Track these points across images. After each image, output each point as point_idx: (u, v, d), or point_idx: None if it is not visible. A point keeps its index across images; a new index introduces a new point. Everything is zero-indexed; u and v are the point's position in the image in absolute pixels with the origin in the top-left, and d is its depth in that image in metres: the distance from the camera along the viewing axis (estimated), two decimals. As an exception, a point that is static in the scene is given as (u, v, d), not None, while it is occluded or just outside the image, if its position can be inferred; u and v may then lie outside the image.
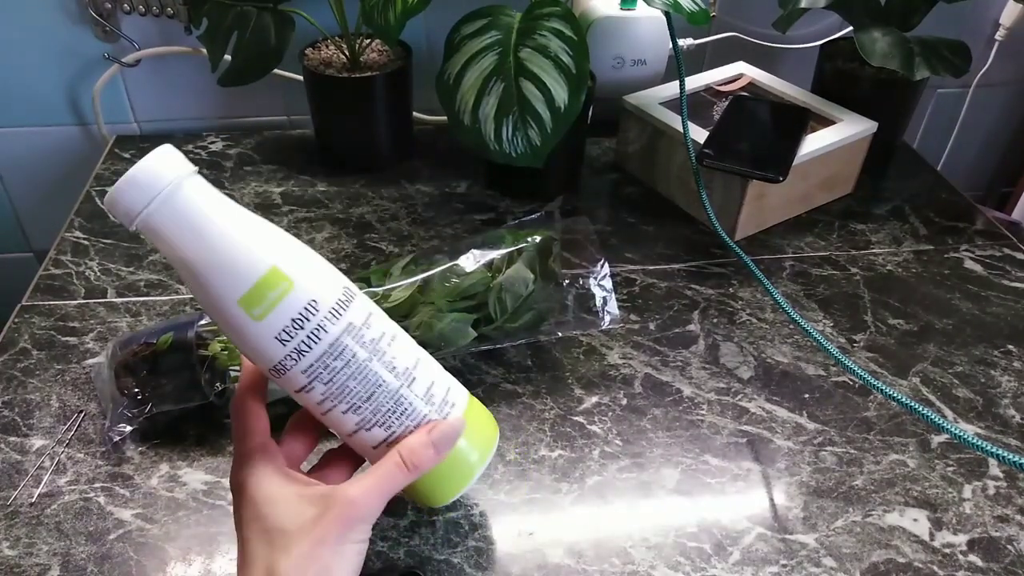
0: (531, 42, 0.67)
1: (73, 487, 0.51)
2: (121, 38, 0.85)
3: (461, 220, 0.77)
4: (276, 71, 0.84)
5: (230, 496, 0.51)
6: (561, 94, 0.66)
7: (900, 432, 0.56)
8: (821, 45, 0.86)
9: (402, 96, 0.82)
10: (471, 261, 0.56)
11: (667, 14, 0.67)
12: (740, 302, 0.68)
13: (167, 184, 0.35)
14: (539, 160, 0.68)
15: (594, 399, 0.58)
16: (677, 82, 0.73)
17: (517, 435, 0.56)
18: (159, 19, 0.84)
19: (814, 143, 0.73)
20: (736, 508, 0.51)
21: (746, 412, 0.58)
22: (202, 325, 0.53)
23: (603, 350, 0.63)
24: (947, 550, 0.49)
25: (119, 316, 0.65)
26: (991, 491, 0.52)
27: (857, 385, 0.60)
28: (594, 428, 0.56)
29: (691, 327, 0.65)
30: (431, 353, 0.43)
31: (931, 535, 0.50)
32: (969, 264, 0.73)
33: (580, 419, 0.57)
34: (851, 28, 0.88)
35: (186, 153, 0.85)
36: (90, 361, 0.60)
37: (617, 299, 0.65)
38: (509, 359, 0.61)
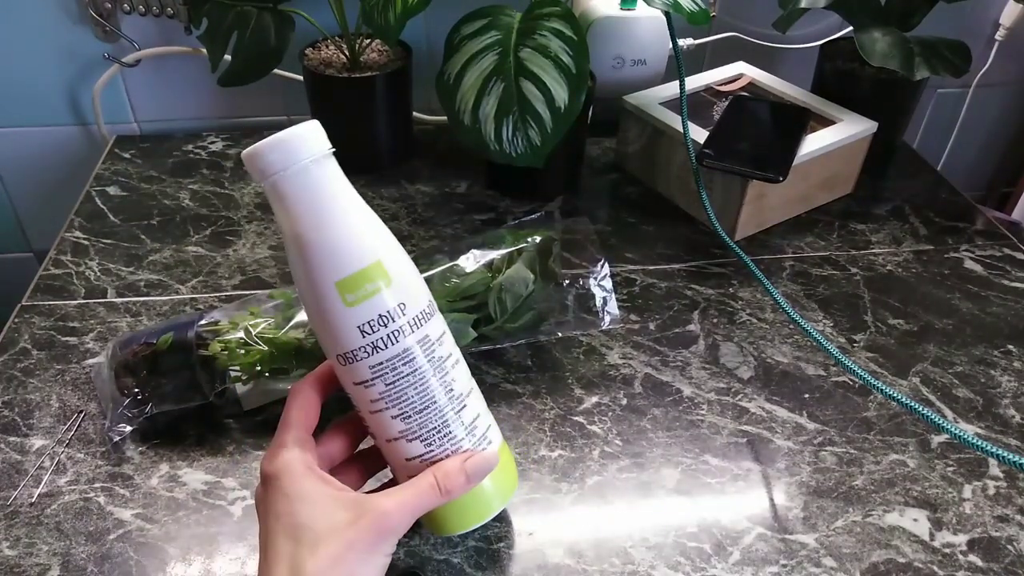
0: (531, 42, 0.67)
1: (73, 487, 0.51)
2: (121, 38, 0.85)
3: (461, 220, 0.77)
4: (276, 71, 0.84)
5: (230, 496, 0.51)
6: (561, 94, 0.66)
7: (900, 432, 0.56)
8: (821, 45, 0.86)
9: (402, 96, 0.82)
10: (471, 261, 0.56)
11: (667, 14, 0.67)
12: (740, 302, 0.68)
13: (308, 156, 0.38)
14: (539, 160, 0.68)
15: (594, 399, 0.58)
16: (677, 82, 0.73)
17: (517, 435, 0.55)
18: (159, 19, 0.84)
19: (814, 143, 0.73)
20: (736, 508, 0.51)
21: (746, 412, 0.58)
22: (202, 325, 0.53)
23: (603, 350, 0.63)
24: (947, 550, 0.49)
25: (119, 316, 0.65)
26: (991, 491, 0.52)
27: (857, 385, 0.60)
28: (594, 428, 0.56)
29: (691, 327, 0.65)
30: None
31: (931, 535, 0.50)
32: (969, 264, 0.73)
33: (580, 419, 0.57)
34: (851, 28, 0.88)
35: (186, 153, 0.87)
36: (90, 361, 0.60)
37: (617, 299, 0.65)
38: (509, 359, 0.61)
